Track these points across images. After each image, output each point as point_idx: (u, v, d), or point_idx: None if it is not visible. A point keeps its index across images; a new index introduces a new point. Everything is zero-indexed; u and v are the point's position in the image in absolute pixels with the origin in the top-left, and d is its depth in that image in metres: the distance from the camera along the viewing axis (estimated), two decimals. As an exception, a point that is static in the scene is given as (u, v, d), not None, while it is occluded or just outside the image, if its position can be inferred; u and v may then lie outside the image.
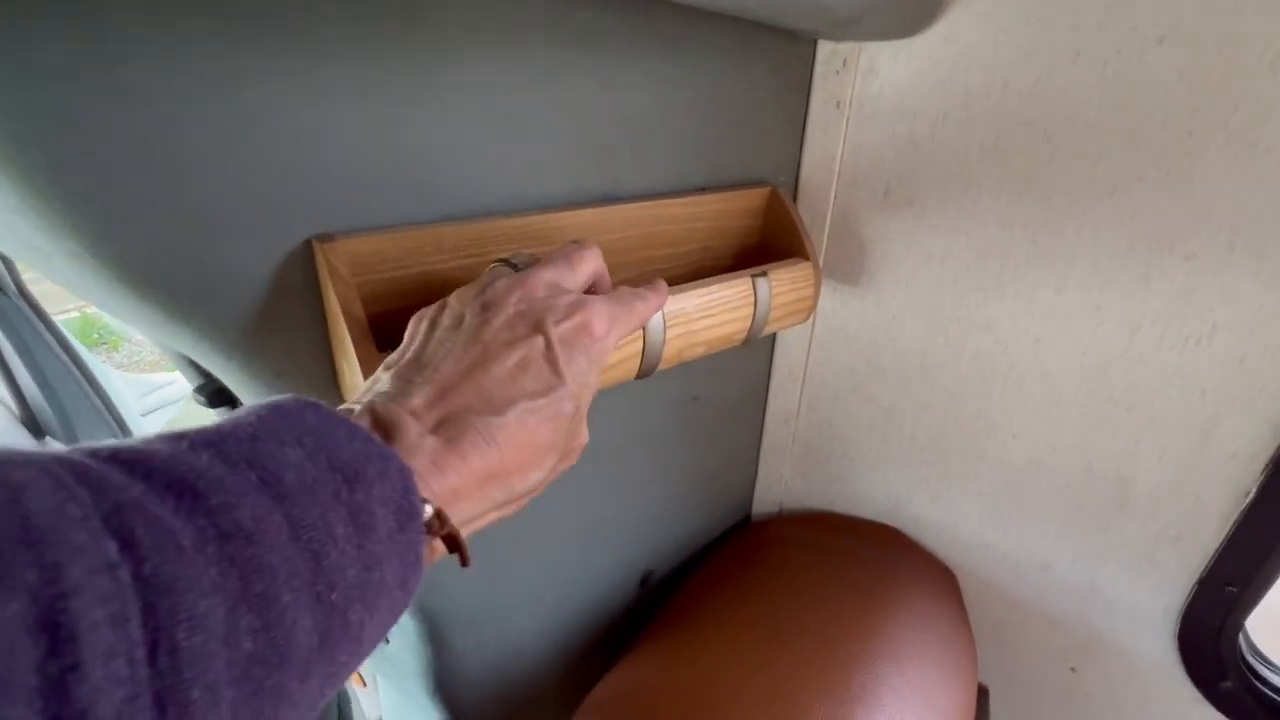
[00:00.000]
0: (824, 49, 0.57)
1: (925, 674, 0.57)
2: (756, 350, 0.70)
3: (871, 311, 0.65)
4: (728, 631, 0.60)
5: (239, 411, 0.20)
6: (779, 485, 0.81)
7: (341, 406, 0.25)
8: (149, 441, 0.18)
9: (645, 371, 0.43)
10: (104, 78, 0.26)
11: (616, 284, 0.35)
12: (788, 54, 0.55)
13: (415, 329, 0.30)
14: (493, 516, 0.28)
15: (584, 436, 0.31)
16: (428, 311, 0.31)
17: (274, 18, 0.29)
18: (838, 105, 0.58)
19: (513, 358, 0.27)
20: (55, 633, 0.13)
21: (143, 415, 1.98)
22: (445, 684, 0.56)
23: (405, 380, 0.26)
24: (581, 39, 0.40)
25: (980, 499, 0.66)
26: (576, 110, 0.42)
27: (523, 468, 0.27)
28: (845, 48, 0.56)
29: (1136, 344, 0.52)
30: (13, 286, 1.47)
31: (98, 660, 0.13)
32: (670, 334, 0.43)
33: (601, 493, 0.60)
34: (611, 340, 0.31)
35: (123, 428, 1.58)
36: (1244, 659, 0.60)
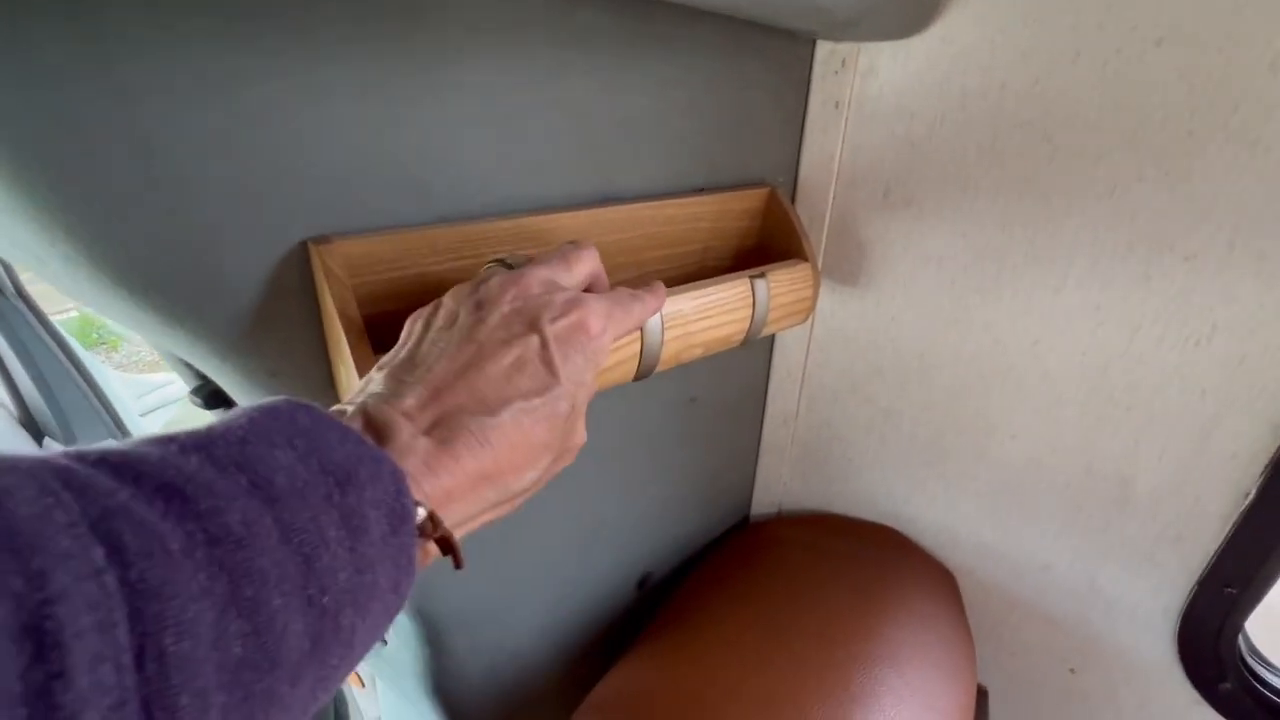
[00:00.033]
0: (822, 49, 0.57)
1: (924, 675, 0.56)
2: (755, 351, 0.70)
3: (870, 312, 0.65)
4: (726, 632, 0.60)
5: (230, 414, 0.20)
6: (778, 486, 0.81)
7: (334, 407, 0.25)
8: (139, 444, 0.18)
9: (643, 373, 0.43)
10: (104, 78, 0.26)
11: (615, 285, 0.35)
12: (786, 54, 0.55)
13: (410, 329, 0.30)
14: (487, 517, 0.27)
15: (581, 436, 0.31)
16: (423, 312, 0.30)
17: (274, 18, 0.29)
18: (836, 106, 0.58)
19: (508, 356, 0.27)
20: (40, 639, 0.13)
21: (141, 415, 1.98)
22: (444, 685, 0.56)
23: (398, 381, 0.26)
24: (581, 39, 0.40)
25: (979, 499, 0.66)
26: (576, 110, 0.42)
27: (517, 468, 0.26)
28: (844, 48, 0.56)
29: (1136, 344, 0.52)
30: (11, 287, 1.47)
31: (84, 667, 0.13)
32: (668, 335, 0.43)
33: (600, 494, 0.60)
34: (608, 339, 0.31)
35: (121, 428, 1.58)
36: (1243, 660, 0.60)
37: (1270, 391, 0.48)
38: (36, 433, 1.51)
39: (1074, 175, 0.50)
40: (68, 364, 1.51)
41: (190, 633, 0.15)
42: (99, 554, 0.14)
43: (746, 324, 0.50)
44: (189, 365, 0.45)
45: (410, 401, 0.25)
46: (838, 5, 0.43)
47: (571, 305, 0.29)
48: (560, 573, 0.60)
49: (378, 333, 0.34)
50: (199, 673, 0.15)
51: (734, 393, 0.70)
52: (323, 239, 0.34)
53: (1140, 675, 0.64)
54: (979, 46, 0.50)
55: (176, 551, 0.16)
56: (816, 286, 0.56)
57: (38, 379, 1.45)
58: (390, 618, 0.22)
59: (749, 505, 0.83)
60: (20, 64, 0.24)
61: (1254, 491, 0.51)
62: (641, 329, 0.41)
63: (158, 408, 2.16)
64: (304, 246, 0.34)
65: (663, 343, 0.43)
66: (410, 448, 0.23)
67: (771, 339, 0.71)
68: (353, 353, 0.32)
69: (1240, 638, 0.59)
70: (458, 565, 0.25)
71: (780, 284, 0.52)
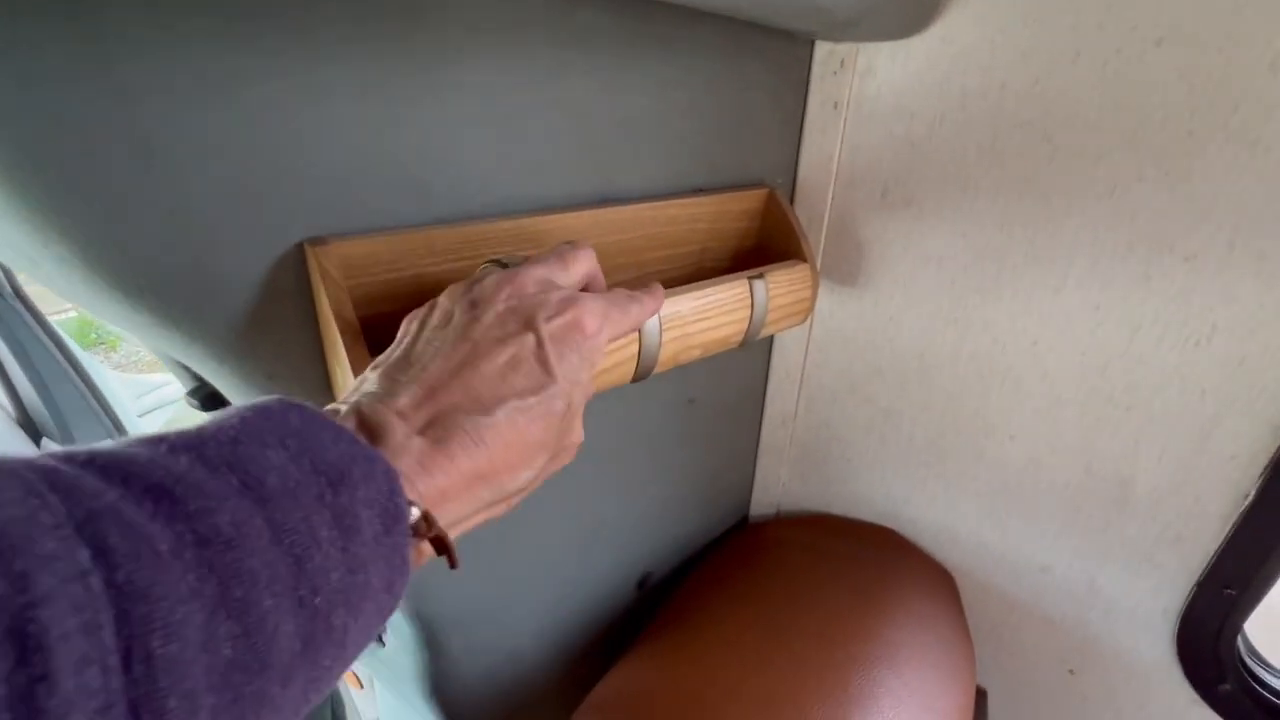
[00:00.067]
0: (821, 50, 0.56)
1: (923, 676, 0.56)
2: (754, 352, 0.70)
3: (869, 313, 0.64)
4: (726, 633, 0.60)
5: (222, 413, 0.20)
6: (776, 487, 0.81)
7: (328, 407, 0.25)
8: (129, 445, 0.17)
9: (641, 374, 0.43)
10: (104, 78, 0.26)
11: (614, 287, 0.35)
12: (785, 55, 0.55)
13: (406, 329, 0.30)
14: (482, 517, 0.27)
15: (578, 435, 0.30)
16: (419, 312, 0.30)
17: (274, 18, 0.29)
18: (835, 106, 0.58)
19: (503, 355, 0.27)
20: (24, 643, 0.13)
21: (140, 416, 1.97)
22: (442, 687, 0.56)
23: (392, 380, 0.26)
24: (581, 39, 0.40)
25: (978, 500, 0.66)
26: (575, 111, 0.42)
27: (512, 467, 0.26)
28: (843, 48, 0.56)
29: (1136, 344, 0.52)
30: (8, 288, 1.47)
31: (69, 670, 0.13)
32: (666, 337, 0.43)
33: (599, 495, 0.60)
34: (604, 338, 0.31)
35: (119, 429, 1.58)
36: (1242, 661, 0.59)
37: (1270, 392, 0.48)
38: (34, 433, 1.51)
39: (1074, 175, 0.50)
40: (65, 365, 1.51)
41: (178, 634, 0.15)
42: (85, 556, 0.14)
43: (745, 325, 0.49)
44: (186, 367, 0.45)
45: (404, 401, 0.25)
46: (838, 5, 0.43)
47: (567, 304, 0.29)
48: (560, 573, 0.60)
49: (376, 334, 0.34)
50: (187, 674, 0.15)
51: (732, 394, 0.70)
52: (318, 240, 0.34)
53: (1139, 676, 0.64)
54: (979, 46, 0.50)
55: (165, 553, 0.15)
56: (815, 287, 0.56)
57: (35, 380, 1.45)
58: (384, 618, 0.22)
59: (748, 506, 0.83)
60: (20, 64, 0.24)
61: (1253, 492, 0.51)
62: (639, 330, 0.41)
63: (156, 408, 2.16)
64: (300, 248, 0.34)
65: (661, 344, 0.43)
66: (404, 447, 0.23)
67: (770, 340, 0.71)
68: (348, 354, 0.32)
69: (1239, 639, 0.59)
70: (452, 565, 0.25)
71: (779, 285, 0.52)
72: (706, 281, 0.47)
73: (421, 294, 0.38)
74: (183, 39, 0.27)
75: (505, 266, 0.32)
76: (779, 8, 0.43)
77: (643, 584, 0.72)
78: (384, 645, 0.57)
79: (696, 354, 0.47)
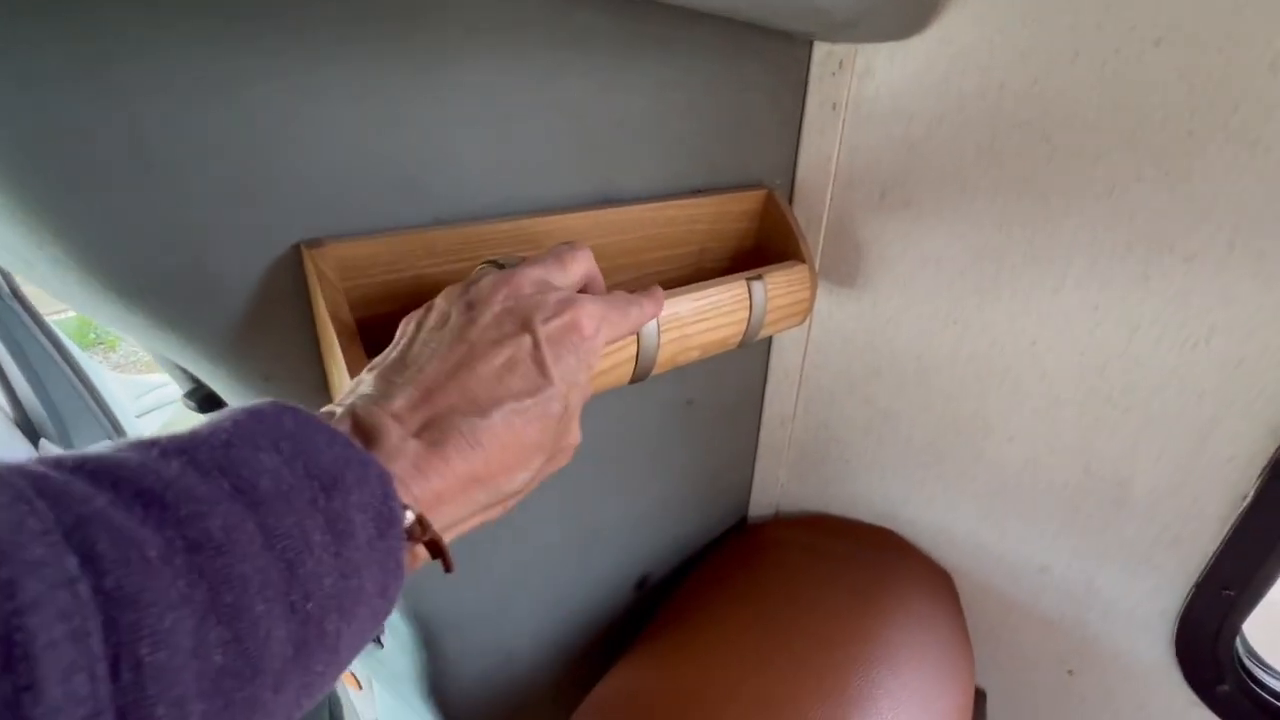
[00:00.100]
0: (820, 51, 0.56)
1: (922, 677, 0.56)
2: (752, 353, 0.70)
3: (868, 313, 0.64)
4: (724, 634, 0.60)
5: (216, 416, 0.20)
6: (775, 488, 0.80)
7: (323, 409, 0.25)
8: (120, 449, 0.17)
9: (639, 376, 0.43)
10: (102, 78, 0.26)
11: (613, 288, 0.35)
12: (784, 56, 0.54)
13: (403, 330, 0.30)
14: (478, 519, 0.27)
15: (575, 436, 0.30)
16: (416, 313, 0.30)
17: (273, 18, 0.29)
18: (834, 107, 0.58)
19: (499, 357, 0.27)
20: (9, 650, 0.12)
21: (138, 416, 1.97)
22: (440, 688, 0.55)
23: (388, 382, 0.26)
24: (579, 40, 0.40)
25: (977, 501, 0.66)
26: (574, 111, 0.42)
27: (508, 469, 0.26)
28: (841, 49, 0.55)
29: (1135, 345, 0.52)
30: (6, 289, 1.46)
31: (55, 678, 0.13)
32: (665, 338, 0.43)
33: (598, 496, 0.60)
34: (601, 340, 0.30)
35: (118, 429, 1.57)
36: (1241, 662, 0.59)
37: (1268, 394, 0.48)
38: (33, 434, 1.51)
39: (1073, 175, 0.50)
40: (64, 365, 1.51)
41: (167, 641, 0.15)
42: (73, 562, 0.14)
43: (744, 326, 0.49)
44: (182, 369, 0.45)
45: (400, 403, 0.25)
46: (836, 6, 0.43)
47: (565, 305, 0.29)
48: (559, 574, 0.60)
49: (374, 336, 0.34)
50: (176, 681, 0.15)
51: (731, 395, 0.70)
52: (315, 242, 0.34)
53: (1138, 677, 0.64)
54: (977, 47, 0.50)
55: (154, 558, 0.15)
56: (814, 288, 0.56)
57: (34, 380, 1.45)
58: (378, 622, 0.22)
59: (747, 507, 0.83)
60: (18, 64, 0.24)
61: (1252, 494, 0.51)
62: (637, 331, 0.41)
63: (155, 408, 2.16)
64: (297, 249, 0.34)
65: (659, 345, 0.43)
66: (399, 450, 0.23)
67: (769, 341, 0.71)
68: (345, 356, 0.32)
69: (1238, 640, 0.59)
70: (447, 569, 0.24)
71: (777, 286, 0.52)
72: (705, 283, 0.46)
73: (420, 295, 0.38)
74: (181, 39, 0.27)
75: (502, 267, 0.32)
76: (777, 9, 0.43)
77: (642, 585, 0.72)
78: (382, 646, 0.56)
79: (695, 355, 0.47)
